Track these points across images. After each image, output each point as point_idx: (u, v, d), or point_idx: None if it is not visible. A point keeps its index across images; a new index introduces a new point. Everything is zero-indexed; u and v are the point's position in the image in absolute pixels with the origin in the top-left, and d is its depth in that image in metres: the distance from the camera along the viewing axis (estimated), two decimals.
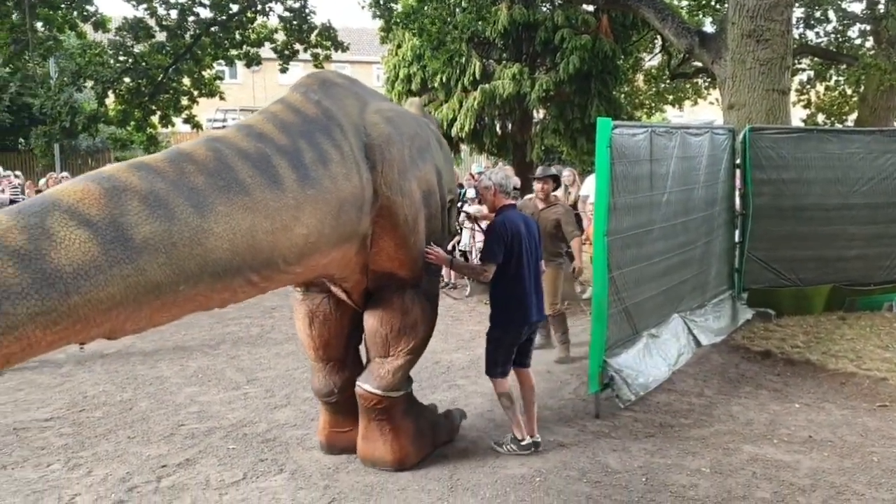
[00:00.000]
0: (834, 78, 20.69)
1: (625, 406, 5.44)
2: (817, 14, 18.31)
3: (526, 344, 4.83)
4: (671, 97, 23.16)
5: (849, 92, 20.52)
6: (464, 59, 14.62)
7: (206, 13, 15.09)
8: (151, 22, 14.87)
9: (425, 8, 12.98)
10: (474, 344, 7.55)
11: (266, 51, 16.26)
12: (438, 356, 7.15)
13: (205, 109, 19.17)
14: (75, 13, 13.82)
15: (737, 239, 8.14)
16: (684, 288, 6.85)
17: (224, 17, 14.97)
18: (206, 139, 3.13)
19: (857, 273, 8.36)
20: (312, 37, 15.31)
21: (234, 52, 15.52)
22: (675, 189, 6.42)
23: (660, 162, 6.13)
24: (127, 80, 15.25)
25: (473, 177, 13.93)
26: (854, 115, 19.66)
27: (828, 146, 8.08)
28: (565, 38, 13.96)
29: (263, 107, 3.75)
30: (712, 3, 17.62)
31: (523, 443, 4.72)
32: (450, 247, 10.91)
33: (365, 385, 4.39)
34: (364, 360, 4.69)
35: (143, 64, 15.13)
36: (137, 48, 15.23)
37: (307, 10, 15.14)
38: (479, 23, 13.91)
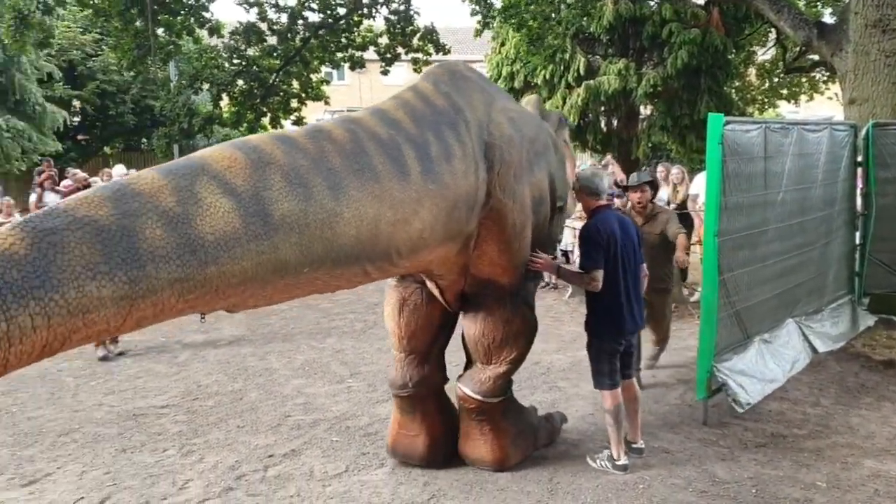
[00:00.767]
0: None
1: (742, 411, 5.17)
2: None
3: (628, 353, 4.63)
4: (785, 92, 22.10)
5: None
6: (567, 55, 14.42)
7: (314, 17, 15.51)
8: (263, 26, 15.42)
9: (526, 3, 12.88)
10: (575, 346, 7.44)
11: (370, 53, 16.56)
12: (539, 357, 7.08)
13: (313, 111, 19.74)
14: (193, 19, 14.50)
15: (857, 241, 7.68)
16: (800, 292, 6.50)
17: (331, 20, 15.35)
18: (342, 119, 3.07)
19: None
20: (415, 40, 15.49)
21: (339, 55, 15.89)
22: (791, 188, 6.10)
23: (775, 159, 5.84)
24: (240, 82, 15.87)
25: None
26: None
27: None
28: (674, 32, 13.54)
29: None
30: None
31: (618, 462, 4.49)
32: None
33: (465, 388, 4.37)
34: (464, 361, 4.64)
35: (255, 67, 15.72)
36: (250, 51, 15.82)
37: (412, 12, 15.32)
38: (584, 18, 13.69)
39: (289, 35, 15.48)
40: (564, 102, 14.61)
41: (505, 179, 3.79)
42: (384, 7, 15.43)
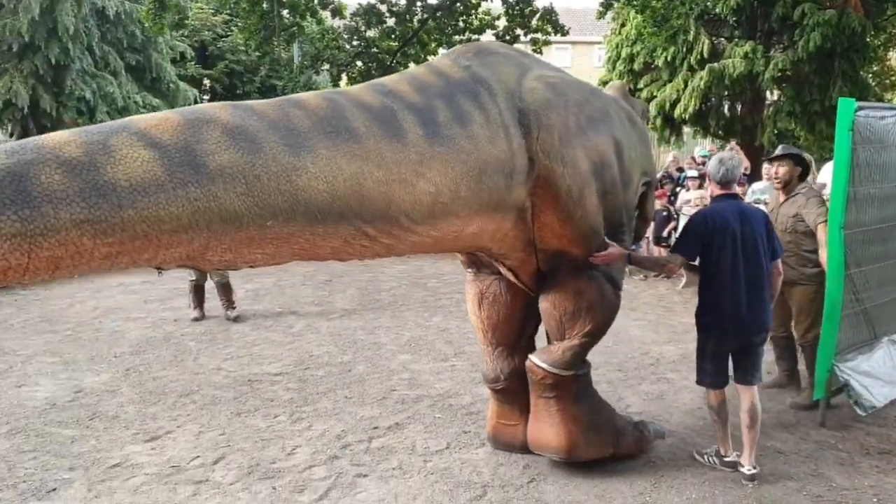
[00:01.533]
0: None
1: (865, 414, 4.89)
2: None
3: (745, 357, 4.23)
4: None
5: None
6: (691, 36, 13.89)
7: None
8: (382, 7, 15.63)
9: None
10: (687, 337, 7.21)
11: (486, 36, 16.50)
12: (648, 347, 6.92)
13: None
14: (316, 1, 14.88)
15: None
16: None
17: (449, 2, 15.40)
18: (326, 91, 3.13)
19: None
20: (534, 21, 15.32)
21: (456, 38, 15.92)
22: None
23: None
24: (359, 63, 16.18)
25: (695, 161, 13.27)
26: None
27: None
28: (806, 13, 12.77)
29: None
30: None
31: (726, 458, 4.28)
32: (665, 233, 10.56)
33: (534, 358, 4.19)
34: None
35: (374, 48, 15.97)
36: (369, 33, 16.08)
37: None
38: None
39: (407, 17, 15.64)
40: (686, 86, 14.12)
41: (548, 143, 3.63)
42: None
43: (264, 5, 14.15)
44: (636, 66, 15.44)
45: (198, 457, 4.54)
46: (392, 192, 2.97)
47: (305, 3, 14.76)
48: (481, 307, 4.42)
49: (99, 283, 10.11)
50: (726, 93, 14.86)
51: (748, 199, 8.48)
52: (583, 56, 39.56)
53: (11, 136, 19.14)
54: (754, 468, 4.19)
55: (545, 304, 4.16)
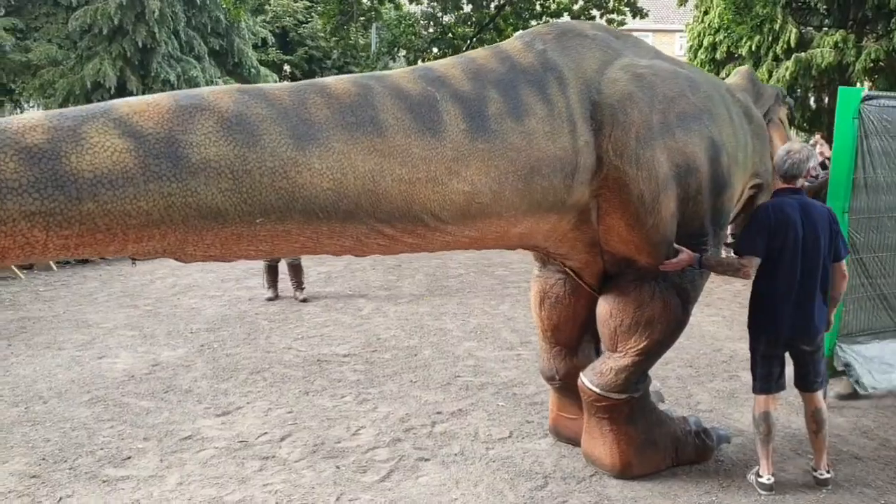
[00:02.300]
0: None
1: (864, 392, 4.94)
2: None
3: (802, 362, 3.98)
4: None
5: None
6: (777, 25, 13.39)
7: None
8: None
9: None
10: None
11: (564, 19, 16.27)
12: (721, 344, 6.73)
13: None
14: None
15: None
16: None
17: None
18: (367, 75, 2.91)
19: None
20: (611, 2, 15.05)
21: (533, 22, 15.77)
22: None
23: None
24: (435, 50, 16.21)
25: None
26: None
27: None
28: None
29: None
30: None
31: (761, 479, 3.93)
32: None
33: (584, 379, 3.99)
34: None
35: (450, 35, 15.96)
36: (445, 19, 16.08)
37: None
38: None
39: (483, 3, 15.56)
40: (770, 76, 13.64)
41: (622, 142, 3.37)
42: None
43: None
44: (718, 56, 15.01)
45: (265, 433, 4.64)
46: (416, 191, 2.77)
47: None
48: (542, 306, 4.30)
49: None
50: (813, 84, 14.29)
51: None
52: (664, 45, 38.66)
53: None
54: (828, 473, 4.02)
55: (602, 309, 3.92)
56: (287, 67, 26.32)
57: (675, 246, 3.68)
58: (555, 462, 4.29)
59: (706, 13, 15.18)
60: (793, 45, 13.31)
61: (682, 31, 20.75)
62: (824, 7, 13.80)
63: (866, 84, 14.63)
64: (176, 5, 17.77)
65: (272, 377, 5.69)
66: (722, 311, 8.04)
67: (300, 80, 27.11)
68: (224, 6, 14.80)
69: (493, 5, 15.71)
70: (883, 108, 4.96)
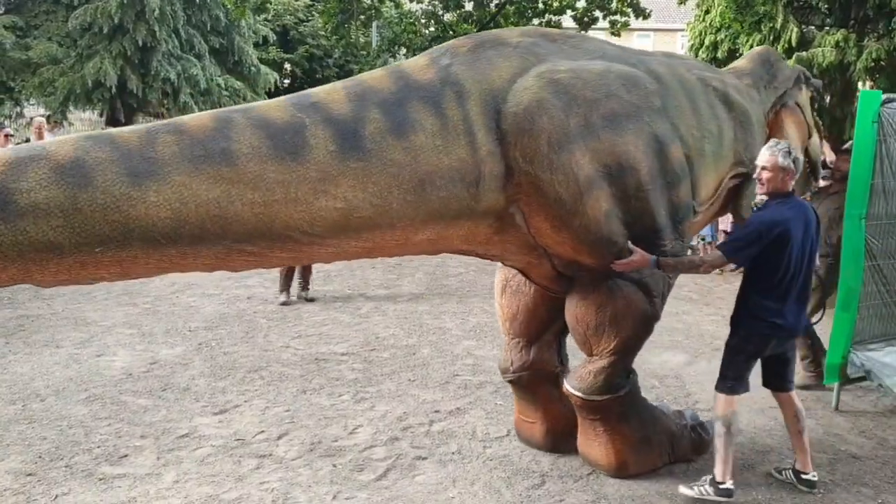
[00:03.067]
0: None
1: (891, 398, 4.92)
2: None
3: (783, 362, 3.99)
4: None
5: None
6: (778, 23, 13.36)
7: None
8: None
9: None
10: None
11: (566, 19, 16.28)
12: (720, 342, 6.59)
13: None
14: None
15: None
16: None
17: None
18: (235, 108, 3.09)
19: None
20: (614, 3, 15.03)
21: (535, 20, 15.76)
22: None
23: None
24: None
25: None
26: None
27: None
28: None
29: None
30: None
31: (722, 486, 3.77)
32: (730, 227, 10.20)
33: (568, 384, 3.99)
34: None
35: (451, 32, 15.94)
36: (446, 17, 16.06)
37: None
38: None
39: (485, 1, 15.54)
40: None
41: (531, 149, 3.35)
42: None
43: None
44: (720, 55, 14.94)
45: (263, 431, 4.63)
46: (274, 212, 2.91)
47: None
48: (503, 295, 4.33)
49: None
50: None
51: None
52: (665, 44, 38.56)
53: (101, 115, 19.94)
54: (815, 476, 3.97)
55: (569, 316, 3.92)
56: (288, 66, 26.33)
57: (630, 246, 3.60)
58: (552, 461, 4.27)
59: (707, 12, 15.13)
60: (794, 44, 13.26)
61: (683, 30, 20.73)
62: (825, 6, 13.76)
63: (868, 83, 14.59)
64: (176, 3, 17.81)
65: (270, 376, 5.68)
66: (721, 310, 8.01)
67: (301, 78, 26.97)
68: (226, 6, 14.79)
69: (493, 3, 15.68)
70: None
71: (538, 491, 3.92)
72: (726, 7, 13.39)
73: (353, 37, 16.66)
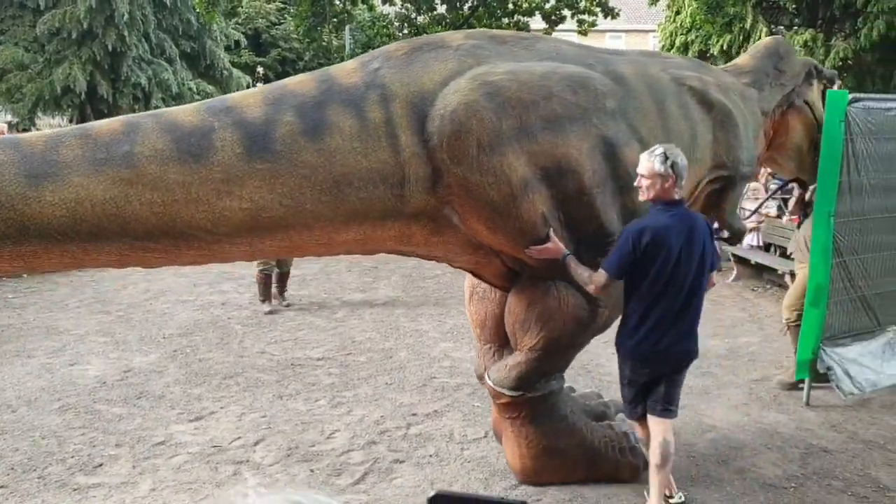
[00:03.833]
0: None
1: (845, 398, 4.96)
2: None
3: (665, 386, 3.57)
4: None
5: None
6: (748, 24, 13.56)
7: None
8: None
9: None
10: (736, 331, 7.07)
11: (536, 21, 16.37)
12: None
13: None
14: None
15: None
16: None
17: None
18: (147, 113, 3.19)
19: None
20: (582, 2, 15.16)
21: (505, 20, 15.83)
22: None
23: None
24: None
25: None
26: None
27: None
28: (871, 0, 12.38)
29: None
30: None
31: (672, 500, 3.71)
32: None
33: (487, 373, 4.00)
34: None
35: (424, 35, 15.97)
36: (419, 20, 16.07)
37: None
38: None
39: (457, 3, 15.59)
40: None
41: (460, 151, 3.31)
42: None
43: None
44: (691, 55, 15.13)
45: (239, 437, 4.61)
46: (175, 212, 2.99)
47: None
48: (471, 301, 4.35)
49: None
50: None
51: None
52: (636, 45, 38.90)
53: (71, 121, 19.68)
54: (682, 497, 3.77)
55: (505, 308, 3.91)
56: (260, 69, 26.19)
57: (549, 234, 3.48)
58: None
59: (678, 13, 15.33)
60: None
61: (654, 30, 20.90)
62: (794, 7, 13.98)
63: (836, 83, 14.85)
64: (146, 8, 17.64)
65: (245, 382, 5.65)
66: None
67: (274, 81, 27.12)
68: (196, 10, 14.68)
69: (466, 6, 15.73)
70: (868, 111, 4.97)
71: (515, 491, 3.94)
72: (697, 8, 13.56)
73: (325, 40, 16.62)
